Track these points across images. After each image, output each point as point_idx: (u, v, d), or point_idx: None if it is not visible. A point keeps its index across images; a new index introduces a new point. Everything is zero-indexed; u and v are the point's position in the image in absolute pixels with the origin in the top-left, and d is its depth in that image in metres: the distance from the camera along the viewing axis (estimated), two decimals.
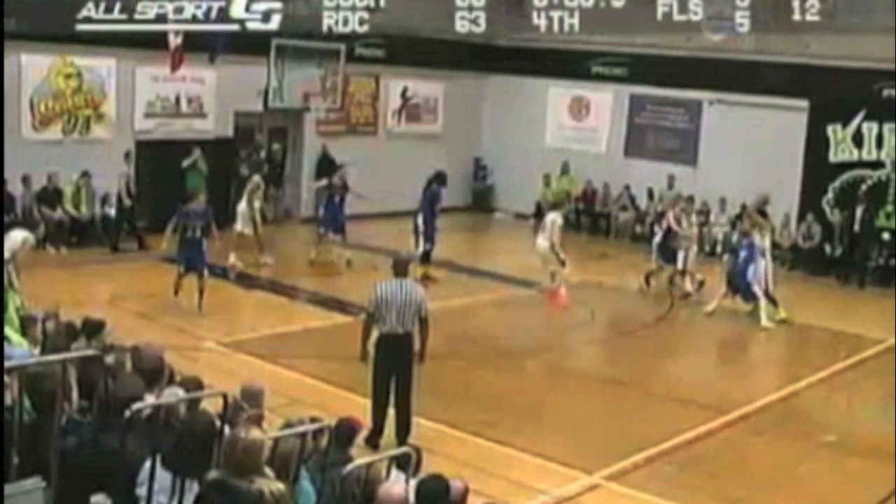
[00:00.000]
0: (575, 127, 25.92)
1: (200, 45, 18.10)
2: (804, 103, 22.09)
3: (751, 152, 22.32)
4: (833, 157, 22.06)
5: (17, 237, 10.67)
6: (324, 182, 20.34)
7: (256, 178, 19.47)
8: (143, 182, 20.42)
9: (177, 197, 17.08)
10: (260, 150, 23.32)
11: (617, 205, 24.73)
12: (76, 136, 19.88)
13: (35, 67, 19.10)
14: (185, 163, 20.81)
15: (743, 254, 17.33)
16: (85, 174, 19.48)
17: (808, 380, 14.13)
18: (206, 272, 15.36)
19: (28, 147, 18.78)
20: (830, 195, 22.08)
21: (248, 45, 18.04)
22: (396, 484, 6.08)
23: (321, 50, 21.52)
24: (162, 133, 21.05)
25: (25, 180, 18.83)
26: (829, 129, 22.03)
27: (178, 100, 21.25)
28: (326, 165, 23.86)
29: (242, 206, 18.56)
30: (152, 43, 16.49)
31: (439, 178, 18.47)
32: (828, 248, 21.70)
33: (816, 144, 22.11)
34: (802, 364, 15.38)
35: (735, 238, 19.01)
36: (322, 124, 24.02)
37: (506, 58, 25.23)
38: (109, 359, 7.23)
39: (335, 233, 19.43)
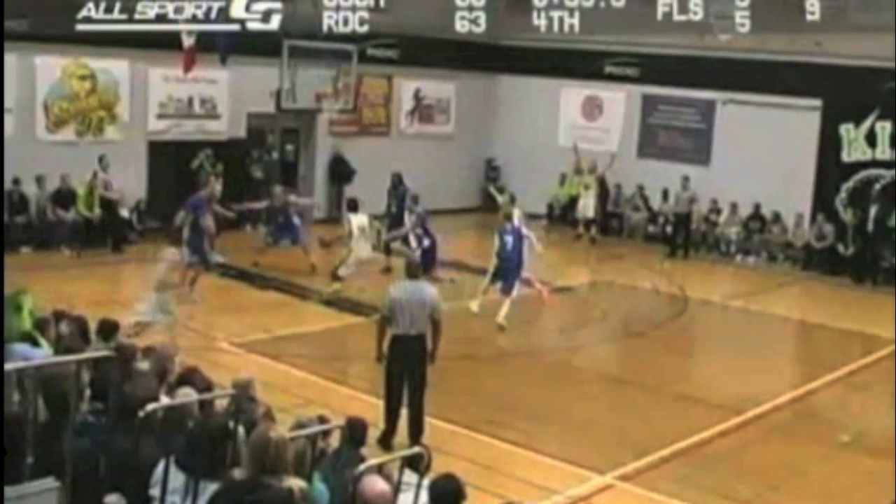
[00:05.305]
0: (587, 127, 25.88)
1: (213, 46, 18.08)
2: (817, 103, 22.03)
3: (764, 152, 22.26)
4: (846, 156, 21.97)
5: None
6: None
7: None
8: (156, 183, 20.52)
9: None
10: (272, 151, 23.34)
11: (629, 205, 24.69)
12: (90, 137, 19.95)
13: (49, 69, 19.19)
14: (194, 164, 20.88)
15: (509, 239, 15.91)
16: (96, 175, 19.52)
17: (822, 380, 14.11)
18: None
19: (42, 148, 18.90)
20: (843, 195, 21.99)
21: (261, 46, 18.00)
22: (380, 481, 6.08)
23: (333, 51, 21.50)
24: (174, 134, 21.13)
25: (39, 181, 18.93)
26: (842, 129, 21.94)
27: (190, 101, 21.31)
28: (340, 167, 23.94)
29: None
30: (165, 44, 16.48)
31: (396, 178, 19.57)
32: (841, 248, 21.61)
33: (829, 144, 22.04)
34: (816, 364, 15.34)
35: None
36: (335, 125, 24.01)
37: (517, 58, 25.22)
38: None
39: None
